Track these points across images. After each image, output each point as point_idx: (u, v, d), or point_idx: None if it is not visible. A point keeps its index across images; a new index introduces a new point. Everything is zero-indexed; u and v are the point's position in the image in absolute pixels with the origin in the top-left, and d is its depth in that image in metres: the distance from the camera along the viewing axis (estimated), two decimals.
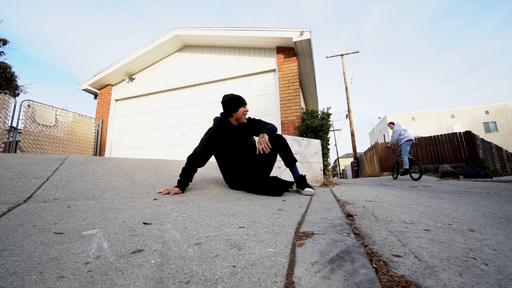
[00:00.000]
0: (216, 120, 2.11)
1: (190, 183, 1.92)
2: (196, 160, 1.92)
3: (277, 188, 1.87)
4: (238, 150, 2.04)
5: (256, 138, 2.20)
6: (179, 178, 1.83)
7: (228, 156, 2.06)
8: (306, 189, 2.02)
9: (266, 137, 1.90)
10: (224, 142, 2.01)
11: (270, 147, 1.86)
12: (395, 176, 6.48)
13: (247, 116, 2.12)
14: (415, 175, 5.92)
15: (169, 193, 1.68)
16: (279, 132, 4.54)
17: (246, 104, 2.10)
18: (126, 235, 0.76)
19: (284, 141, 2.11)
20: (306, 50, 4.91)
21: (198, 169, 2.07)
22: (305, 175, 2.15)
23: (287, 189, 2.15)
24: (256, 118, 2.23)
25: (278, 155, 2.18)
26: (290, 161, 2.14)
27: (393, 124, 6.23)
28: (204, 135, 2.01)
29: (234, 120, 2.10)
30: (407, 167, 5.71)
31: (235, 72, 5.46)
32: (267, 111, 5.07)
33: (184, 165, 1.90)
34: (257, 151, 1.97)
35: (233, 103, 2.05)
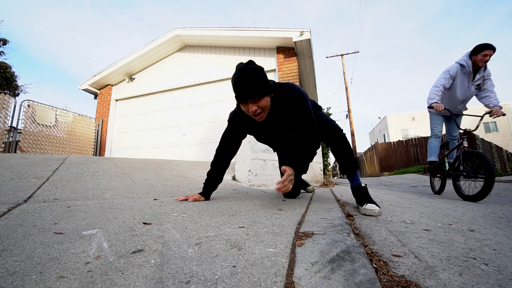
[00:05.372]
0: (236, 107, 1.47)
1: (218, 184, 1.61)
2: (224, 148, 1.54)
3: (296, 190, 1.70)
4: (268, 143, 1.70)
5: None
6: (204, 183, 1.59)
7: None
8: (368, 205, 1.30)
9: (290, 171, 1.25)
10: (249, 131, 1.55)
11: (290, 189, 1.22)
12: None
13: (260, 115, 1.26)
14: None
15: (186, 199, 1.47)
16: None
17: (250, 99, 1.19)
18: (126, 235, 0.76)
19: (338, 135, 1.46)
20: (306, 50, 4.91)
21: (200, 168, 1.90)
22: (366, 185, 1.44)
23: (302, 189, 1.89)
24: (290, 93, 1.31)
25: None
26: (348, 166, 1.48)
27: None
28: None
29: None
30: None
31: None
32: None
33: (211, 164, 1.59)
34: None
35: (234, 92, 1.25)
